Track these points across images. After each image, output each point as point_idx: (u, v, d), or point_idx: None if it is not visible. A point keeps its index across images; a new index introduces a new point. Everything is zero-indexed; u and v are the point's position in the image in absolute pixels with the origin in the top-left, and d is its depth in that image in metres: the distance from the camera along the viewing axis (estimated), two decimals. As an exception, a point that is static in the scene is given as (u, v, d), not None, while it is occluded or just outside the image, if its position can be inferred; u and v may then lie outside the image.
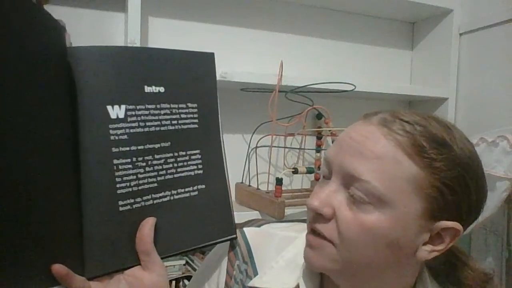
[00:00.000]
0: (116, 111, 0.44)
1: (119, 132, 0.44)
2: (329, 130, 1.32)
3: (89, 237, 0.44)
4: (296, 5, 1.37)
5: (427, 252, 0.46)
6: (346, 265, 0.46)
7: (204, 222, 0.50)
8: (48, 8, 1.07)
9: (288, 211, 1.01)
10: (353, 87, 1.20)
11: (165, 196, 0.48)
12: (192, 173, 0.50)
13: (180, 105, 0.48)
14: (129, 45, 1.02)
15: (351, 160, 0.45)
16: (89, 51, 0.44)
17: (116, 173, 0.44)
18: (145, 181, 0.47)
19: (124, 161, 0.45)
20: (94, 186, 0.44)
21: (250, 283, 0.54)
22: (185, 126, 0.49)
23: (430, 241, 0.46)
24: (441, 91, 1.41)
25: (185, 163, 0.49)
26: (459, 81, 1.41)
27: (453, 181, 0.45)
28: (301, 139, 1.28)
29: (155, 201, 0.47)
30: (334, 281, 0.51)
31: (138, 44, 1.02)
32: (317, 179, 1.34)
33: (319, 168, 1.36)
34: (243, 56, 1.29)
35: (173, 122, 0.48)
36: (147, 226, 0.46)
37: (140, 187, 0.46)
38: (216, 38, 1.27)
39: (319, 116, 1.34)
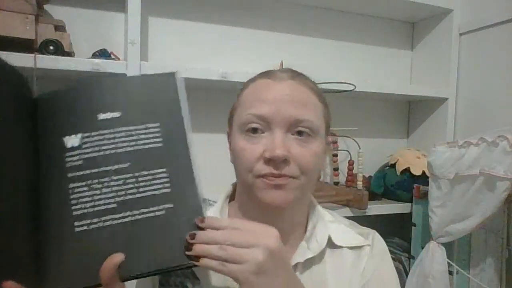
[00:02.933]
0: (71, 141, 0.50)
1: (74, 158, 0.49)
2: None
3: (46, 257, 0.46)
4: (296, 5, 1.37)
5: (324, 161, 0.65)
6: (303, 191, 0.59)
7: (173, 243, 0.49)
8: (48, 8, 1.07)
9: (288, 211, 1.01)
10: (353, 87, 1.20)
11: (126, 216, 0.49)
12: (158, 192, 0.50)
13: (139, 127, 0.51)
14: (129, 45, 1.02)
15: (295, 111, 0.58)
16: (49, 94, 0.51)
17: (71, 196, 0.48)
18: (102, 202, 0.49)
19: (79, 184, 0.49)
20: (51, 208, 0.48)
21: None
22: (147, 146, 0.51)
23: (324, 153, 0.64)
24: (441, 91, 1.41)
25: (149, 183, 0.50)
26: (459, 81, 1.41)
27: (327, 107, 0.65)
28: (301, 139, 1.28)
29: (114, 221, 0.48)
30: (266, 214, 0.60)
31: (138, 44, 1.02)
32: (317, 179, 1.34)
33: (319, 168, 1.36)
34: (243, 56, 1.29)
35: (131, 143, 0.50)
36: (113, 261, 0.46)
37: (96, 208, 0.48)
38: (216, 38, 1.27)
39: (319, 116, 1.34)
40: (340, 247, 0.64)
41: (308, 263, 0.61)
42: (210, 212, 0.67)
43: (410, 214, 1.31)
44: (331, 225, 0.65)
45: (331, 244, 0.63)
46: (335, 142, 1.33)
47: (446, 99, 1.41)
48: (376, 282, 0.63)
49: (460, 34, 1.39)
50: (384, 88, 1.33)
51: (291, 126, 0.58)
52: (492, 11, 1.29)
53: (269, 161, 0.56)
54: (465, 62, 1.39)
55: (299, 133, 0.58)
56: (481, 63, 1.34)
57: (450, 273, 1.18)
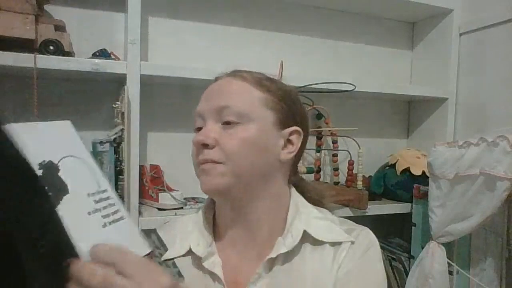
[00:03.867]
0: None
1: None
2: (329, 130, 1.32)
3: None
4: (296, 5, 1.37)
5: (286, 153, 0.64)
6: (236, 178, 0.60)
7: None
8: (48, 8, 1.07)
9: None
10: (353, 87, 1.21)
11: None
12: None
13: None
14: (129, 45, 1.02)
15: (219, 100, 0.62)
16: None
17: None
18: None
19: None
20: None
21: (161, 259, 0.66)
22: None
23: (285, 145, 0.64)
24: (441, 91, 1.41)
25: None
26: (459, 81, 1.41)
27: (284, 98, 0.65)
28: (301, 139, 1.28)
29: None
30: (225, 208, 0.64)
31: (138, 44, 1.02)
32: (317, 179, 1.35)
33: (319, 168, 1.36)
34: (243, 56, 1.29)
35: None
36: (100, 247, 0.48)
37: None
38: (216, 38, 1.27)
39: (319, 116, 1.34)
40: (322, 242, 0.63)
41: (288, 258, 0.62)
42: (193, 216, 0.71)
43: (410, 214, 1.31)
44: (314, 221, 0.65)
45: (311, 239, 0.63)
46: (335, 142, 1.33)
47: (446, 99, 1.41)
48: (353, 279, 0.61)
49: (460, 34, 1.39)
50: (384, 88, 1.33)
51: (218, 115, 0.61)
52: (492, 11, 1.29)
53: (198, 149, 0.61)
54: (465, 62, 1.39)
55: (227, 122, 0.61)
56: (481, 63, 1.34)
57: (450, 273, 1.18)
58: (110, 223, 0.54)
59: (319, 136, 1.33)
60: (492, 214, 1.06)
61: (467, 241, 1.19)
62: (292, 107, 0.66)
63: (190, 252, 0.64)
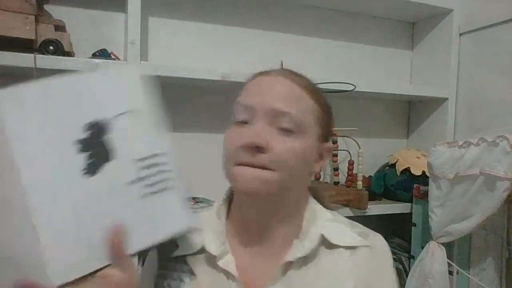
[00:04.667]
0: None
1: None
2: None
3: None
4: (296, 5, 1.37)
5: (317, 166, 0.65)
6: (279, 186, 0.58)
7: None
8: (48, 8, 1.07)
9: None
10: (353, 87, 1.20)
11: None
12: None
13: None
14: (129, 45, 1.02)
15: (277, 102, 0.58)
16: None
17: None
18: None
19: None
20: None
21: (174, 254, 0.64)
22: None
23: (318, 159, 0.64)
24: (441, 91, 1.41)
25: None
26: (459, 81, 1.41)
27: (328, 113, 0.65)
28: (301, 139, 1.28)
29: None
30: (250, 209, 0.62)
31: (138, 44, 1.02)
32: (317, 179, 1.35)
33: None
34: (243, 56, 1.29)
35: None
36: (117, 228, 0.47)
37: None
38: (216, 38, 1.27)
39: (319, 116, 1.34)
40: (337, 246, 0.63)
41: (303, 262, 0.61)
42: (206, 214, 0.68)
43: (410, 214, 1.31)
44: (328, 223, 0.65)
45: (327, 243, 0.62)
46: (335, 142, 1.33)
47: (446, 99, 1.41)
48: (371, 285, 0.62)
49: (460, 34, 1.39)
50: (384, 88, 1.33)
51: (273, 118, 0.58)
52: (492, 11, 1.29)
53: (246, 148, 0.56)
54: (465, 62, 1.39)
55: (282, 127, 0.58)
56: (481, 63, 1.34)
57: (450, 273, 1.18)
58: (151, 194, 0.50)
59: (319, 136, 1.32)
60: (492, 214, 1.06)
61: (467, 241, 1.19)
62: (330, 125, 0.66)
63: (202, 250, 0.63)
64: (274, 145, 0.57)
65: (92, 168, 0.46)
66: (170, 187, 0.51)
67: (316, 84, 0.66)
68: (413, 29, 1.57)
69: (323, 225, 0.64)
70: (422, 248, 1.22)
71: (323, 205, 0.69)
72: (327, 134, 0.65)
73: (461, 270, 1.17)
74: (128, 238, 0.48)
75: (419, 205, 1.27)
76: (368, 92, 1.30)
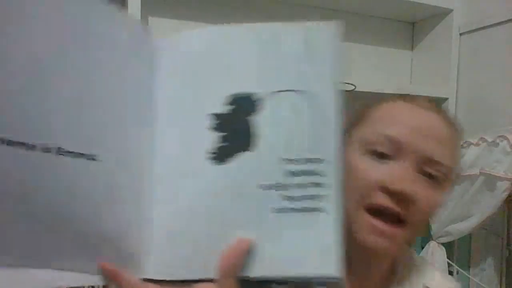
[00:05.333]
0: None
1: None
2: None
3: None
4: (297, 5, 1.37)
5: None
6: (404, 243, 0.50)
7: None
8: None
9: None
10: (353, 87, 1.20)
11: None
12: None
13: None
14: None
15: (433, 145, 0.48)
16: None
17: None
18: None
19: None
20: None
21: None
22: None
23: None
24: (441, 91, 1.41)
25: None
26: (459, 81, 1.41)
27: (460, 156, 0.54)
28: (301, 139, 1.28)
29: None
30: (359, 258, 0.52)
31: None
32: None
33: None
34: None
35: None
36: (242, 244, 0.36)
37: None
38: (216, 38, 1.27)
39: (319, 116, 1.34)
40: None
41: None
42: None
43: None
44: (426, 271, 0.57)
45: None
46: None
47: (446, 99, 1.41)
48: None
49: (460, 34, 1.39)
50: (384, 88, 1.33)
51: (422, 163, 0.48)
52: (492, 11, 1.29)
53: (391, 194, 0.46)
54: (465, 62, 1.39)
55: (430, 175, 0.48)
56: (481, 63, 1.34)
57: (450, 273, 1.18)
58: (292, 210, 0.36)
59: (319, 136, 1.32)
60: (492, 214, 1.06)
61: (467, 241, 1.19)
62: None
63: None
64: (422, 196, 0.47)
65: (222, 154, 0.35)
66: (323, 209, 0.36)
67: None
68: (413, 29, 1.57)
69: (421, 272, 0.57)
70: (422, 248, 1.22)
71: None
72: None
73: (461, 270, 1.17)
74: (249, 258, 0.36)
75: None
76: (368, 92, 1.30)
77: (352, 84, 1.20)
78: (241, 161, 0.35)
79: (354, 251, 0.50)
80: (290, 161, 0.36)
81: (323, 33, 0.38)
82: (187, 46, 0.39)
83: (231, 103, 0.36)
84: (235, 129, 0.36)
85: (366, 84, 1.27)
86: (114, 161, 0.35)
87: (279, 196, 0.36)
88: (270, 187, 0.36)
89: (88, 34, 0.35)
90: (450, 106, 1.40)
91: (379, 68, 1.51)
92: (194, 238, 0.36)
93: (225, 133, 0.36)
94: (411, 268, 0.57)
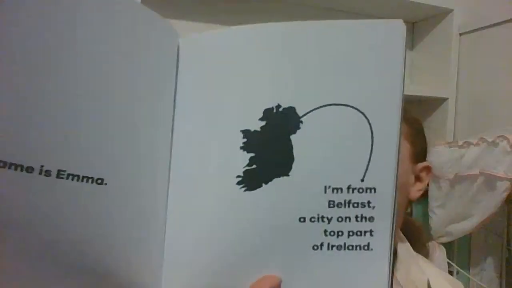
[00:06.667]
0: None
1: None
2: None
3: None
4: (296, 5, 1.37)
5: (415, 191, 0.58)
6: None
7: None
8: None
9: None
10: (353, 87, 1.20)
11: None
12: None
13: None
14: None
15: None
16: None
17: None
18: None
19: None
20: None
21: None
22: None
23: (415, 182, 0.58)
24: (441, 91, 1.41)
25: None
26: (459, 81, 1.41)
27: (419, 132, 0.63)
28: (301, 139, 1.28)
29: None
30: None
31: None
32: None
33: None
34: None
35: None
36: (269, 283, 0.30)
37: None
38: (216, 38, 1.27)
39: (319, 116, 1.34)
40: None
41: None
42: None
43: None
44: (427, 268, 0.57)
45: None
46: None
47: (446, 99, 1.41)
48: None
49: (460, 34, 1.39)
50: (384, 88, 1.33)
51: None
52: (492, 11, 1.29)
53: None
54: (465, 62, 1.39)
55: None
56: (481, 63, 1.34)
57: (450, 273, 1.17)
58: (332, 247, 0.30)
59: (319, 136, 1.32)
60: (492, 214, 1.06)
61: (467, 241, 1.19)
62: (424, 142, 0.63)
63: None
64: None
65: (251, 179, 0.30)
66: (369, 248, 0.30)
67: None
68: (413, 29, 1.57)
69: (423, 268, 0.56)
70: (422, 248, 1.22)
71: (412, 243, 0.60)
72: (421, 152, 0.60)
73: (461, 270, 1.17)
74: None
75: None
76: (368, 92, 1.30)
77: (352, 84, 1.20)
78: (275, 188, 0.30)
79: None
80: (336, 189, 0.30)
81: (389, 33, 0.30)
82: (213, 49, 0.34)
83: (264, 119, 0.30)
84: (268, 149, 0.30)
85: (366, 84, 1.27)
86: (124, 187, 0.31)
87: (320, 230, 0.30)
88: (310, 220, 0.30)
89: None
90: (450, 106, 1.41)
91: (379, 68, 1.51)
92: (214, 274, 0.31)
93: (256, 154, 0.30)
94: (411, 262, 0.57)
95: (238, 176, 0.30)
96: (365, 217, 0.30)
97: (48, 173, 0.27)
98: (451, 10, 1.39)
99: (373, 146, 0.30)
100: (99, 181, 0.29)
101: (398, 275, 0.54)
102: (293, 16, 1.37)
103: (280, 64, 0.30)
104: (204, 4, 1.26)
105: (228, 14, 1.29)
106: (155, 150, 0.32)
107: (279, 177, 0.30)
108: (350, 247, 0.30)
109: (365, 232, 0.30)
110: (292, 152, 0.30)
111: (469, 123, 1.37)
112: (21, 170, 0.27)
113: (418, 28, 1.55)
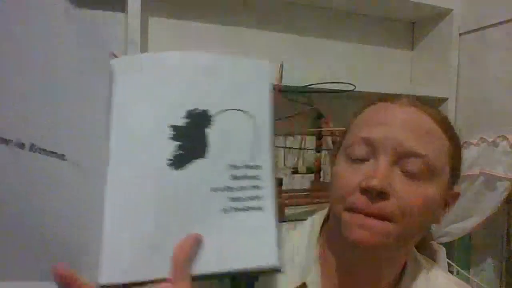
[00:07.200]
0: None
1: None
2: (329, 130, 1.32)
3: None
4: (297, 5, 1.37)
5: (442, 215, 0.53)
6: (399, 239, 0.48)
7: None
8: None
9: (288, 211, 1.01)
10: (353, 87, 1.20)
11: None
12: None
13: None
14: (129, 45, 1.02)
15: (406, 137, 0.48)
16: None
17: None
18: None
19: None
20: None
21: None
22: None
23: (444, 206, 0.53)
24: (441, 91, 1.41)
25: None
26: (459, 81, 1.41)
27: (459, 154, 0.53)
28: (301, 139, 1.28)
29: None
30: (355, 257, 0.53)
31: (138, 44, 1.02)
32: (317, 179, 1.34)
33: (319, 168, 1.36)
34: (243, 56, 1.29)
35: None
36: (191, 240, 0.39)
37: None
38: (216, 38, 1.27)
39: (319, 116, 1.34)
40: None
41: None
42: (298, 234, 0.59)
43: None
44: (436, 279, 0.56)
45: None
46: (335, 142, 1.33)
47: (446, 99, 1.41)
48: None
49: (460, 34, 1.39)
50: (384, 88, 1.32)
51: (401, 157, 0.48)
52: (492, 11, 1.29)
53: (364, 191, 0.47)
54: (465, 62, 1.39)
55: (410, 171, 0.47)
56: (481, 63, 1.34)
57: (450, 273, 1.18)
58: (235, 210, 0.41)
59: (319, 136, 1.32)
60: (492, 214, 1.06)
61: (467, 241, 1.19)
62: (460, 163, 0.54)
63: None
64: (398, 190, 0.47)
65: (178, 161, 0.41)
66: (262, 208, 0.42)
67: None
68: (413, 29, 1.57)
69: (431, 281, 0.55)
70: (422, 248, 1.22)
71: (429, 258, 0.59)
72: (456, 177, 0.53)
73: (461, 270, 1.17)
74: (198, 255, 0.39)
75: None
76: (368, 92, 1.30)
77: (352, 84, 1.20)
78: (196, 167, 0.41)
79: (354, 255, 0.52)
80: (236, 167, 0.42)
81: (261, 68, 0.47)
82: (149, 68, 0.44)
83: (187, 117, 0.42)
84: (190, 139, 0.42)
85: (366, 84, 1.27)
86: (79, 163, 0.37)
87: (226, 198, 0.41)
88: (220, 190, 0.41)
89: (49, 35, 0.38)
90: (450, 106, 1.41)
91: (379, 68, 1.51)
92: (150, 240, 0.39)
93: (181, 143, 0.42)
94: (418, 274, 0.55)
95: (169, 159, 0.41)
96: (256, 186, 0.42)
97: (22, 146, 0.33)
98: (451, 10, 1.39)
99: (257, 137, 0.43)
100: (62, 156, 0.36)
101: None
102: (294, 16, 1.37)
103: (197, 82, 0.44)
104: (204, 4, 1.26)
105: (228, 14, 1.29)
106: (103, 138, 0.41)
107: (198, 159, 0.41)
108: (248, 209, 0.41)
109: (257, 197, 0.42)
110: (207, 141, 0.42)
111: (469, 123, 1.37)
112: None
113: (418, 28, 1.55)
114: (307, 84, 1.14)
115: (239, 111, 0.43)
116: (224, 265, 0.40)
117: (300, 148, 1.30)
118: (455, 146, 0.52)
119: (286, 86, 1.12)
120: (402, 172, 0.48)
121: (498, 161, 1.01)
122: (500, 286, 1.17)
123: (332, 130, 1.32)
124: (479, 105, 1.34)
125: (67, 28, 0.39)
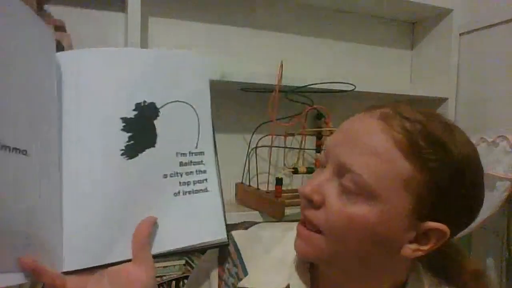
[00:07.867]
0: None
1: None
2: (329, 130, 1.32)
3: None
4: (297, 5, 1.37)
5: (411, 250, 0.46)
6: (332, 255, 0.47)
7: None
8: (48, 8, 1.07)
9: (288, 211, 1.01)
10: (353, 87, 1.20)
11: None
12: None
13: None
14: (129, 45, 1.02)
15: (346, 150, 0.46)
16: None
17: None
18: None
19: None
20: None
21: (240, 284, 0.54)
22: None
23: (415, 240, 0.46)
24: (441, 91, 1.41)
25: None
26: (459, 81, 1.41)
27: (445, 184, 0.44)
28: (301, 139, 1.28)
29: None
30: (325, 270, 0.53)
31: (138, 44, 1.02)
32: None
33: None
34: (243, 56, 1.29)
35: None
36: (148, 222, 0.43)
37: None
38: (216, 38, 1.27)
39: (319, 116, 1.34)
40: None
41: None
42: (280, 249, 0.57)
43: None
44: None
45: None
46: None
47: (446, 99, 1.41)
48: None
49: (460, 34, 1.39)
50: (384, 88, 1.33)
51: (339, 168, 0.46)
52: (492, 11, 1.29)
53: (305, 199, 0.48)
54: (465, 62, 1.39)
55: (345, 184, 0.45)
56: (481, 63, 1.34)
57: (450, 273, 1.18)
58: (185, 193, 0.46)
59: (319, 136, 1.32)
60: (492, 214, 1.06)
61: (467, 241, 1.19)
62: (452, 198, 0.44)
63: None
64: (328, 203, 0.46)
65: (130, 151, 0.43)
66: (207, 190, 0.47)
67: (449, 128, 0.50)
68: (413, 29, 1.57)
69: None
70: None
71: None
72: (438, 212, 0.45)
73: (461, 270, 1.17)
74: (155, 235, 0.44)
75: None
76: (368, 92, 1.30)
77: (352, 84, 1.20)
78: (146, 156, 0.44)
79: (349, 267, 0.49)
80: (183, 154, 0.46)
81: (200, 62, 0.51)
82: (90, 63, 0.45)
83: (135, 110, 0.44)
84: (140, 130, 0.44)
85: (366, 84, 1.27)
86: (39, 157, 0.39)
87: (176, 182, 0.46)
88: (169, 175, 0.45)
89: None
90: (450, 106, 1.41)
91: (379, 68, 1.51)
92: (109, 225, 0.42)
93: (131, 134, 0.44)
94: None
95: (121, 150, 0.44)
96: (201, 171, 0.47)
97: None
98: (451, 10, 1.39)
99: (199, 126, 0.47)
100: (24, 152, 0.37)
101: None
102: (294, 16, 1.37)
103: (144, 77, 0.46)
104: (204, 4, 1.26)
105: (228, 14, 1.29)
106: (53, 132, 0.42)
107: (148, 148, 0.44)
108: (196, 191, 0.47)
109: (203, 180, 0.47)
110: (156, 131, 0.45)
111: (469, 123, 1.37)
112: None
113: (418, 28, 1.55)
114: (307, 84, 1.14)
115: (182, 103, 0.47)
116: (178, 243, 0.45)
117: (300, 148, 1.30)
118: (431, 173, 0.43)
119: (286, 86, 1.12)
120: (341, 186, 0.45)
121: (498, 161, 1.01)
122: (500, 286, 1.17)
123: (332, 130, 1.32)
124: (479, 105, 1.34)
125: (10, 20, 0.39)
